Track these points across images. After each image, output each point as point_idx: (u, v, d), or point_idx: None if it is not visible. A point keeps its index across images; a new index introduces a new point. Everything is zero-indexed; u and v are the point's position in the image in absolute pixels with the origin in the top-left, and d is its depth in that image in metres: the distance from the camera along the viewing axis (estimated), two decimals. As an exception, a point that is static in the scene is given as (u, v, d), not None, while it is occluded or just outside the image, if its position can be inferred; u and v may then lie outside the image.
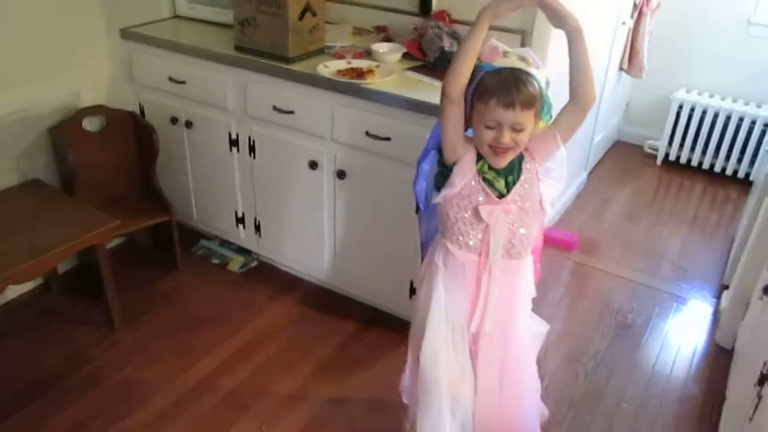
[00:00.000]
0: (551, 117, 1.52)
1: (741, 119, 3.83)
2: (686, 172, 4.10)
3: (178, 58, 2.63)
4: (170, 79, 2.67)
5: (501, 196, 1.52)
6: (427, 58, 2.39)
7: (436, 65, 2.34)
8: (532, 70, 1.43)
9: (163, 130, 2.76)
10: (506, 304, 1.63)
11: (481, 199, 1.52)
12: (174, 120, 2.76)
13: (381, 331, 2.57)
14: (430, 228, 1.75)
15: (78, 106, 2.68)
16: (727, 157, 3.96)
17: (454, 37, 2.39)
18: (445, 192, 1.53)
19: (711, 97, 3.97)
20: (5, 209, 2.40)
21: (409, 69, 2.35)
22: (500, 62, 1.44)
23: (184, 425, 2.14)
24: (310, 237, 2.63)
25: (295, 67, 2.35)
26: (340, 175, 2.38)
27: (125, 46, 2.77)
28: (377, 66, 2.35)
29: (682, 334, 2.68)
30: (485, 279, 1.58)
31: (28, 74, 2.50)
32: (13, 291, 2.63)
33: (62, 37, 2.57)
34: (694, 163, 4.08)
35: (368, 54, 2.45)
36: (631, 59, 3.76)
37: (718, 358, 2.54)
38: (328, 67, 2.32)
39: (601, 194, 3.76)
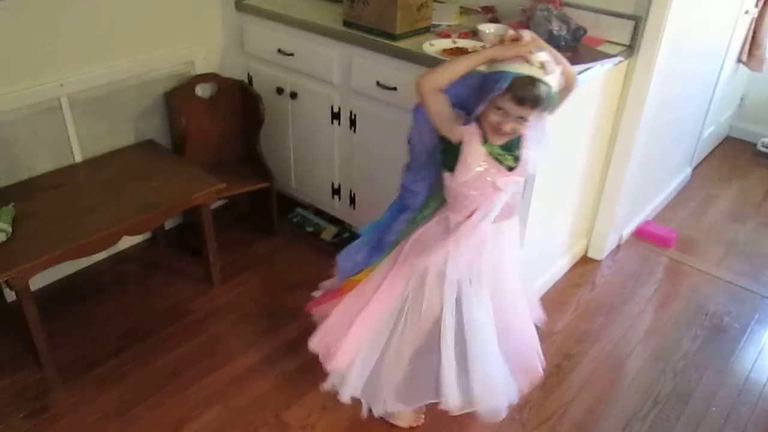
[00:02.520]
0: (551, 113, 1.67)
1: None
2: (802, 174, 3.85)
3: (287, 31, 2.71)
4: (279, 50, 2.76)
5: (510, 168, 1.69)
6: (533, 40, 2.35)
7: (543, 48, 2.30)
8: (548, 78, 1.58)
9: (269, 99, 2.87)
10: (499, 258, 1.84)
11: (494, 174, 1.69)
12: (280, 90, 2.86)
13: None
14: (417, 180, 1.86)
15: (192, 73, 2.83)
16: None
17: (564, 20, 2.34)
18: (461, 175, 1.67)
19: (837, 95, 3.70)
20: (123, 166, 2.57)
21: (514, 51, 2.32)
22: (521, 68, 1.56)
23: (270, 382, 2.25)
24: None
25: (401, 44, 2.38)
26: (438, 153, 2.39)
27: (238, 18, 2.89)
28: (482, 46, 2.33)
29: (782, 344, 2.56)
30: (487, 238, 1.77)
31: (147, 42, 2.65)
32: (126, 242, 2.83)
33: (180, 7, 2.71)
34: (812, 165, 3.82)
35: (474, 34, 2.44)
36: (751, 51, 3.55)
37: (821, 372, 2.41)
38: (434, 46, 2.33)
39: (706, 191, 3.59)
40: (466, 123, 1.67)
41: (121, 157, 2.64)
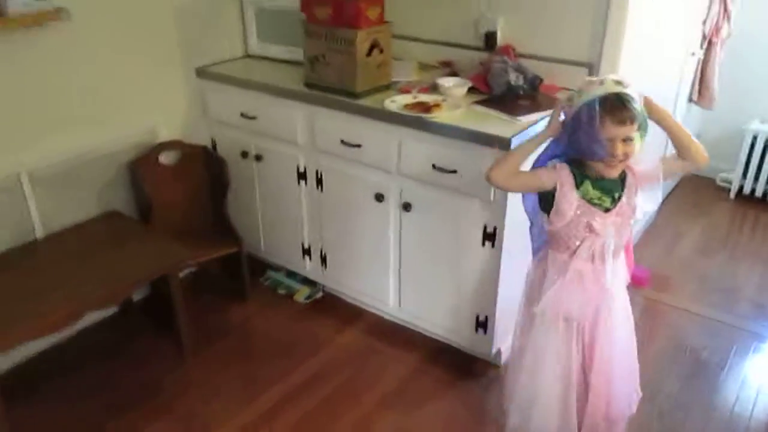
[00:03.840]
0: (646, 131, 1.65)
1: (821, 151, 3.67)
2: (761, 205, 3.94)
3: (249, 95, 2.73)
4: (242, 114, 2.77)
5: (606, 210, 1.72)
6: (493, 91, 2.40)
7: (503, 98, 2.35)
8: (629, 90, 1.62)
9: (234, 163, 2.86)
10: (614, 297, 1.85)
11: (590, 217, 1.72)
12: (244, 154, 2.85)
13: (446, 364, 2.55)
14: (541, 238, 1.93)
15: (155, 141, 2.81)
16: (807, 191, 3.80)
17: (520, 71, 2.40)
18: (557, 222, 1.73)
19: (787, 128, 3.83)
20: (87, 239, 2.52)
21: (475, 102, 2.37)
22: (599, 89, 1.61)
23: (251, 454, 2.16)
24: (375, 269, 2.65)
25: (363, 101, 2.40)
26: (406, 207, 2.40)
27: (200, 84, 2.90)
28: (443, 100, 2.37)
29: (762, 374, 2.55)
30: (600, 280, 1.78)
31: (108, 113, 2.63)
32: (90, 317, 2.74)
33: (142, 78, 2.71)
34: (771, 196, 3.92)
35: (434, 88, 2.49)
36: (701, 90, 3.67)
37: (804, 401, 2.41)
38: (395, 102, 2.36)
39: (672, 228, 3.65)
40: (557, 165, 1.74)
41: (86, 229, 2.59)
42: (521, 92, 2.37)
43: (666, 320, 2.86)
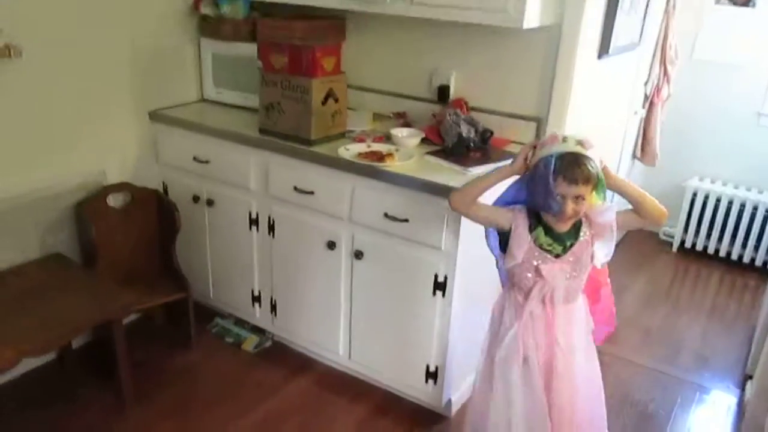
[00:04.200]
0: (605, 194, 1.76)
1: (755, 207, 3.85)
2: (703, 259, 4.08)
3: (203, 139, 2.72)
4: (194, 158, 2.75)
5: (557, 255, 1.78)
6: (445, 143, 2.45)
7: (454, 150, 2.40)
8: (588, 153, 1.69)
9: (185, 208, 2.82)
10: (568, 341, 1.88)
11: (539, 261, 1.79)
12: (196, 198, 2.82)
13: (396, 415, 2.51)
14: (504, 273, 1.99)
15: (103, 183, 2.75)
16: (744, 245, 3.95)
17: (472, 124, 2.46)
18: (509, 261, 1.82)
19: (724, 185, 4.01)
20: (25, 282, 2.42)
21: (428, 153, 2.41)
22: (560, 147, 1.70)
23: None
24: (325, 317, 2.62)
25: (317, 149, 2.42)
26: (358, 255, 2.39)
27: (153, 128, 2.88)
28: (397, 150, 2.41)
29: (706, 426, 2.60)
30: (551, 323, 1.84)
31: (57, 152, 2.58)
32: (27, 364, 2.61)
33: (91, 118, 2.67)
34: (711, 250, 4.06)
35: (388, 138, 2.53)
36: (644, 147, 3.83)
37: (745, 452, 2.45)
38: (349, 150, 2.38)
39: (616, 282, 3.67)
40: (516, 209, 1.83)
41: (25, 272, 2.49)
42: (472, 144, 2.42)
43: (612, 372, 2.89)
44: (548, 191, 1.69)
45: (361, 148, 2.43)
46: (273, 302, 2.78)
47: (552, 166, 1.68)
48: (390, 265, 2.35)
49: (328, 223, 2.45)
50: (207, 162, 2.73)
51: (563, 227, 1.78)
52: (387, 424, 2.47)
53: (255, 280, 2.79)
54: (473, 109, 2.62)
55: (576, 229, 1.80)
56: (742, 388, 2.78)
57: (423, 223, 2.20)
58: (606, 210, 1.78)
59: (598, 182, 1.71)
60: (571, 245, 1.79)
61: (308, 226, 2.51)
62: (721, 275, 3.92)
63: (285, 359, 2.81)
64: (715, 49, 3.87)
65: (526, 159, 1.80)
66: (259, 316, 2.87)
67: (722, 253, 4.04)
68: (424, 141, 2.52)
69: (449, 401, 2.48)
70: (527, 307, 1.84)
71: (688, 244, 4.13)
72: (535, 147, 1.78)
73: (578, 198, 1.69)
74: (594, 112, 2.82)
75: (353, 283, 2.48)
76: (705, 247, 4.09)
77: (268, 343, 2.90)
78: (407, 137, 2.51)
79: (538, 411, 1.88)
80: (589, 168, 1.67)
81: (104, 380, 2.57)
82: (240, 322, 2.99)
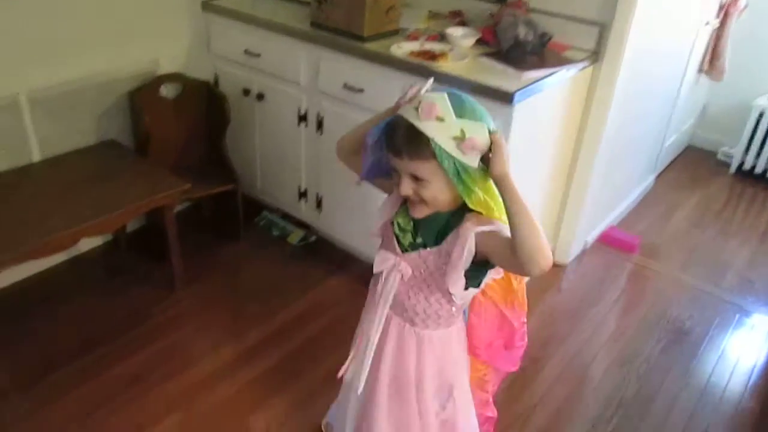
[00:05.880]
0: (466, 180, 1.22)
1: (825, 132, 3.65)
2: (761, 183, 3.93)
3: (255, 32, 2.69)
4: (246, 51, 2.73)
5: (405, 251, 1.39)
6: (501, 45, 2.37)
7: (510, 53, 2.32)
8: (421, 123, 1.20)
9: (235, 101, 2.83)
10: (406, 372, 1.49)
11: (385, 243, 1.44)
12: (246, 92, 2.82)
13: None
14: None
15: (156, 72, 2.78)
16: (807, 171, 3.79)
17: (530, 26, 2.36)
18: (377, 222, 1.46)
19: (794, 106, 3.80)
20: (84, 166, 2.51)
21: (482, 55, 2.34)
22: (403, 110, 1.25)
23: (233, 387, 2.21)
24: (369, 216, 2.65)
25: (369, 46, 2.37)
26: (405, 156, 2.39)
27: (205, 18, 2.85)
28: (450, 50, 2.34)
29: (742, 347, 2.59)
30: (374, 327, 1.46)
31: (112, 41, 2.60)
32: (85, 244, 2.76)
33: (146, 7, 2.66)
34: (770, 174, 3.92)
35: (442, 38, 2.45)
36: (712, 61, 3.63)
37: (779, 374, 2.46)
38: (402, 48, 2.33)
39: (668, 199, 3.65)
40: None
41: (83, 156, 2.58)
42: (529, 48, 2.33)
43: (652, 287, 2.90)
44: (372, 151, 1.33)
45: (414, 46, 2.36)
46: (318, 198, 2.82)
47: (376, 135, 1.30)
48: (436, 168, 2.34)
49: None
50: (258, 55, 2.71)
51: (414, 212, 1.33)
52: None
53: (302, 176, 2.83)
54: (533, 10, 2.51)
55: (440, 230, 1.33)
56: (785, 313, 2.75)
57: (472, 126, 2.17)
58: (488, 226, 1.26)
59: (453, 167, 1.19)
60: (424, 245, 1.36)
61: (356, 123, 2.49)
62: (778, 200, 3.80)
63: (328, 254, 2.89)
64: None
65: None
66: (304, 211, 2.92)
67: (782, 178, 3.89)
68: (479, 42, 2.44)
69: (486, 305, 2.53)
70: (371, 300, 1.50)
71: (747, 167, 3.97)
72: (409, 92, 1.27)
73: (416, 179, 1.25)
74: (663, 20, 2.67)
75: (398, 184, 2.49)
76: (765, 171, 3.93)
77: (313, 238, 2.97)
78: (462, 37, 2.43)
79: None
80: (420, 139, 1.19)
81: (156, 263, 2.70)
82: (286, 217, 3.06)
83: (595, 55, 2.44)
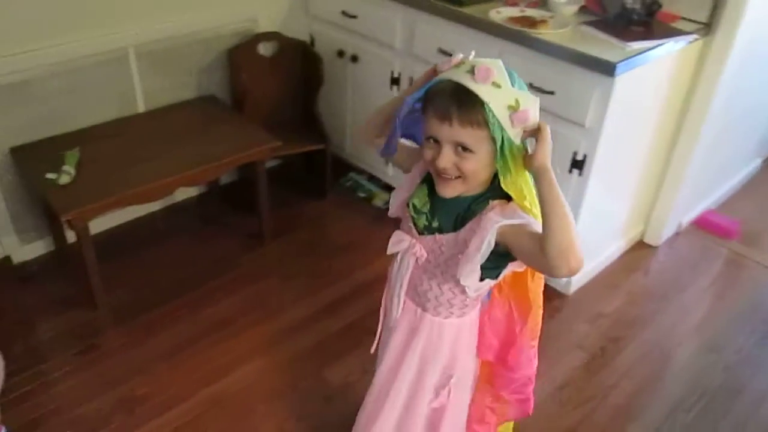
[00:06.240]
0: (508, 150, 1.13)
1: None
2: None
3: (352, -8, 2.70)
4: (343, 12, 2.75)
5: (420, 232, 1.31)
6: (605, 13, 2.28)
7: (615, 21, 2.23)
8: (477, 85, 1.09)
9: (329, 61, 2.86)
10: (412, 358, 1.43)
11: (405, 225, 1.36)
12: (341, 53, 2.85)
13: (512, 286, 2.56)
14: None
15: (255, 31, 2.84)
16: None
17: (639, -7, 2.25)
18: (391, 208, 1.40)
19: None
20: (183, 118, 2.62)
21: (584, 23, 2.25)
22: (448, 74, 1.14)
23: (313, 340, 2.28)
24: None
25: (467, 10, 2.33)
26: (496, 124, 2.35)
27: (305, -23, 2.89)
28: (551, 17, 2.27)
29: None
30: (388, 305, 1.44)
31: (215, -2, 2.68)
32: (181, 194, 2.89)
33: (250, -37, 2.72)
34: None
35: (543, 4, 2.38)
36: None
37: None
38: (500, 13, 2.28)
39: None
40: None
41: (183, 110, 2.69)
42: (635, 17, 2.23)
43: (748, 276, 2.75)
44: (417, 130, 1.24)
45: (514, 12, 2.31)
46: (405, 163, 2.83)
47: (419, 96, 1.18)
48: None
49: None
50: (355, 17, 2.72)
51: (443, 190, 1.21)
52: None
53: (390, 139, 2.84)
54: (643, -23, 2.39)
55: (460, 215, 1.23)
56: None
57: (569, 97, 2.10)
58: (514, 218, 1.14)
59: (501, 139, 1.10)
60: (438, 230, 1.27)
61: (449, 90, 2.48)
62: None
63: (411, 219, 2.90)
64: None
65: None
66: (391, 175, 2.94)
67: None
68: (582, 9, 2.35)
69: (569, 280, 2.49)
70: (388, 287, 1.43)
71: None
72: (435, 70, 1.20)
73: (460, 147, 1.13)
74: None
75: (487, 153, 2.46)
76: None
77: (397, 203, 2.99)
78: (564, 4, 2.34)
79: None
80: (474, 103, 1.09)
81: (246, 216, 2.80)
82: (373, 179, 3.09)
83: (707, 28, 2.30)
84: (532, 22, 2.22)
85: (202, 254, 2.64)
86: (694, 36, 2.25)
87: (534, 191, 1.14)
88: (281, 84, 2.92)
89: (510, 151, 1.12)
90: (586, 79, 2.04)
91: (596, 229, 2.46)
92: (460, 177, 1.17)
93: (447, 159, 1.15)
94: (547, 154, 1.10)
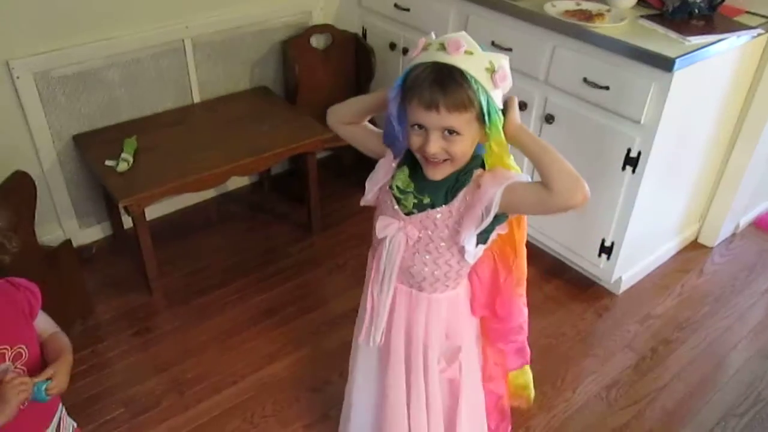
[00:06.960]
0: (496, 124, 1.18)
1: None
2: None
3: (405, -15, 2.70)
4: (395, 5, 2.75)
5: (409, 213, 1.30)
6: (665, 6, 2.22)
7: (674, 15, 2.17)
8: (453, 57, 1.11)
9: (381, 54, 2.87)
10: (416, 337, 1.43)
11: (382, 208, 1.36)
12: (392, 46, 2.85)
13: (560, 283, 2.54)
14: None
15: (308, 23, 2.87)
16: None
17: (701, -14, 2.19)
18: (367, 195, 1.40)
19: None
20: (237, 109, 2.67)
21: (643, 16, 2.20)
22: (421, 57, 1.16)
23: (361, 330, 2.30)
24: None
25: (522, 3, 2.30)
26: (549, 119, 2.32)
27: (358, -30, 2.90)
28: (608, 10, 2.23)
29: None
30: (376, 294, 1.42)
31: (270, -11, 2.72)
32: (233, 182, 2.95)
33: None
34: None
35: (600, -3, 2.33)
36: None
37: None
38: (556, 7, 2.25)
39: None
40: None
41: (236, 100, 2.74)
42: (697, 11, 2.17)
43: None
44: (395, 119, 1.22)
45: (569, 5, 2.27)
46: (455, 157, 2.82)
47: (399, 83, 1.17)
48: (580, 134, 2.26)
49: (521, 82, 2.37)
50: (407, 10, 2.72)
51: (433, 174, 1.23)
52: (551, 290, 2.51)
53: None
54: (705, -31, 2.31)
55: (451, 189, 1.25)
56: None
57: (625, 92, 2.06)
58: (508, 180, 1.21)
59: (487, 115, 1.15)
60: (430, 205, 1.27)
61: (501, 84, 2.46)
62: None
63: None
64: None
65: None
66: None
67: None
68: (640, 2, 2.30)
69: (619, 279, 2.45)
70: (373, 259, 1.42)
71: None
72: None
73: (446, 131, 1.15)
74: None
75: (538, 148, 2.43)
76: None
77: (445, 196, 2.99)
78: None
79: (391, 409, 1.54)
80: (457, 84, 1.11)
81: (296, 206, 2.85)
82: (421, 173, 3.09)
83: (773, 22, 2.23)
84: (588, 16, 2.18)
85: (253, 243, 2.69)
86: (759, 30, 2.17)
87: (508, 148, 1.23)
88: (333, 76, 2.94)
89: (496, 114, 1.17)
90: (643, 74, 1.99)
91: (648, 228, 2.41)
92: (448, 159, 1.20)
93: (436, 145, 1.17)
94: (517, 115, 1.21)
